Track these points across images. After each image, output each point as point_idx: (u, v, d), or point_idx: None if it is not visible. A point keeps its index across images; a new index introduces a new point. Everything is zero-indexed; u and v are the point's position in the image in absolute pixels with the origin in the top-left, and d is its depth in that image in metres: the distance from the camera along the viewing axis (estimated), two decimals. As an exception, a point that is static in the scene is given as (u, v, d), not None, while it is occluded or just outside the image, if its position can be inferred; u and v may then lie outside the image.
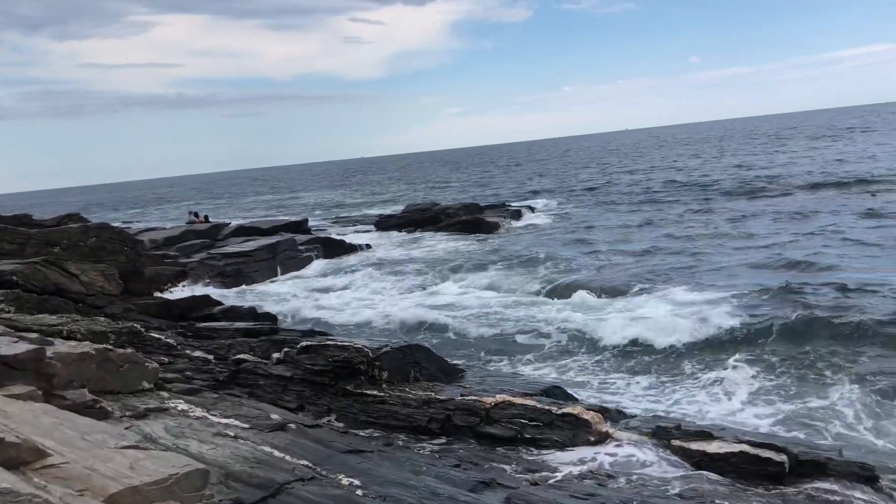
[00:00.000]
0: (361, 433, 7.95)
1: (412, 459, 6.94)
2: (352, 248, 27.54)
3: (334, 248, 26.97)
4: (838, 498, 6.42)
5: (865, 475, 6.70)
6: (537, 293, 17.00)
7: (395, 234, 31.79)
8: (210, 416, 7.15)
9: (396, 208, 40.31)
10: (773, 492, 6.57)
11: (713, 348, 11.66)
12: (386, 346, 9.72)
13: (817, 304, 13.35)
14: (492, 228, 30.45)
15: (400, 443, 7.71)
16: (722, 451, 7.16)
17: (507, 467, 6.97)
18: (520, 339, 13.33)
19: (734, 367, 10.83)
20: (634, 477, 6.77)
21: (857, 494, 6.45)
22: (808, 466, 6.91)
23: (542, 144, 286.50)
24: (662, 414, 9.55)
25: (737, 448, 7.17)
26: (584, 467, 7.03)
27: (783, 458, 6.93)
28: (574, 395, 9.89)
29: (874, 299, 13.43)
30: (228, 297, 18.48)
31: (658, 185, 42.07)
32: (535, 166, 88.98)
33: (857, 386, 9.81)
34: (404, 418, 8.35)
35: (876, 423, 8.77)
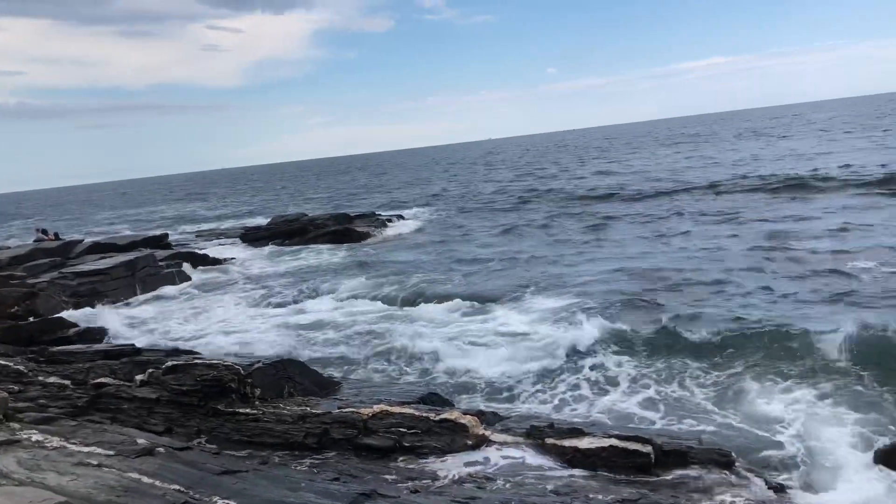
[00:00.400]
0: (236, 453, 7.69)
1: (289, 476, 6.78)
2: (216, 263, 26.61)
3: (197, 264, 25.96)
4: (699, 483, 6.84)
5: (723, 460, 7.17)
6: (409, 303, 17.01)
7: (261, 246, 31.00)
8: (69, 445, 6.70)
9: (262, 220, 39.33)
10: (641, 481, 6.90)
11: (584, 350, 12.04)
12: (258, 362, 9.48)
13: (673, 304, 14.18)
14: (362, 238, 30.32)
15: (276, 460, 7.52)
16: (593, 446, 7.45)
17: (387, 477, 6.95)
18: (395, 349, 13.29)
19: (606, 366, 11.30)
20: (512, 477, 6.92)
21: (716, 478, 6.90)
22: (672, 456, 7.31)
23: (410, 154, 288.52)
24: (552, 410, 9.86)
25: (606, 443, 7.48)
26: (464, 471, 7.12)
27: (649, 449, 7.30)
28: (451, 400, 10.01)
29: (720, 298, 14.45)
30: (82, 318, 17.35)
31: (523, 193, 43.28)
32: (403, 175, 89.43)
33: (712, 376, 10.50)
34: (280, 435, 8.16)
35: (733, 407, 9.41)
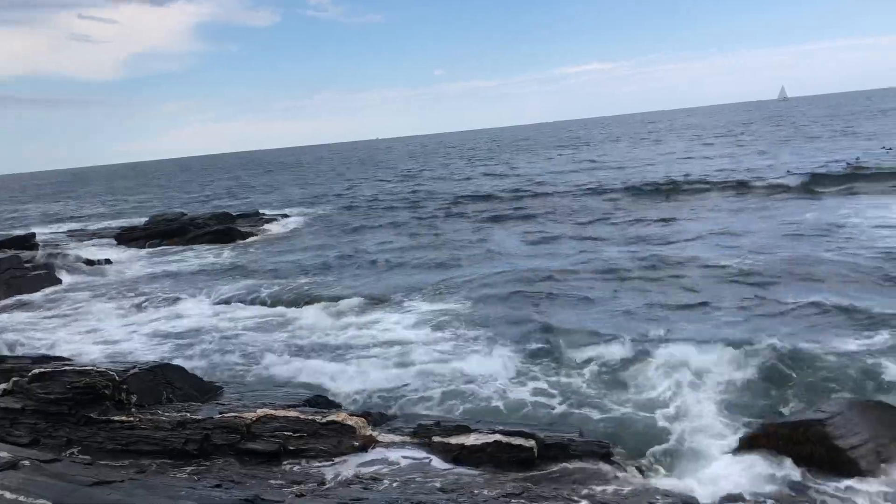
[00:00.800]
0: (111, 463, 7.34)
1: (168, 484, 6.53)
2: (89, 265, 25.25)
3: (68, 266, 24.58)
4: (579, 475, 7.08)
5: (602, 452, 7.44)
6: (294, 305, 16.67)
7: (138, 248, 29.69)
8: (-80, 462, 6.19)
9: (140, 220, 37.66)
10: (525, 476, 7.07)
11: (471, 351, 12.13)
12: (134, 367, 9.07)
13: (555, 304, 14.57)
14: (245, 238, 29.61)
15: (154, 468, 7.22)
16: (479, 442, 7.57)
17: (272, 482, 6.81)
18: (280, 353, 13.02)
19: (493, 365, 11.39)
20: (399, 477, 6.93)
21: (595, 469, 7.16)
22: (554, 449, 7.52)
23: (297, 152, 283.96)
24: (440, 410, 9.88)
25: (491, 438, 7.62)
26: (351, 473, 7.08)
27: (532, 443, 7.49)
28: (337, 402, 9.92)
29: (598, 296, 15.01)
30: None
31: (410, 193, 43.43)
32: (290, 174, 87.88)
33: (593, 371, 10.85)
34: (158, 442, 7.85)
35: (613, 398, 9.78)
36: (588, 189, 35.51)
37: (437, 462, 7.38)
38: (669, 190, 32.21)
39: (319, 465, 7.39)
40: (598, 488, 6.76)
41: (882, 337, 10.57)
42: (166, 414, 8.39)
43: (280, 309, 16.53)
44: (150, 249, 29.03)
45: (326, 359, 12.37)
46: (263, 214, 36.41)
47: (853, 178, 29.11)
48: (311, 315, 15.56)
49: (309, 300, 16.87)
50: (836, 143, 48.52)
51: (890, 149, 37.02)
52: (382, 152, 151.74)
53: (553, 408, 9.69)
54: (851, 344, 10.41)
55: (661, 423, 8.83)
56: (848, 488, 6.84)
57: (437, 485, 6.66)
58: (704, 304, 13.66)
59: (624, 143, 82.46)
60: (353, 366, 11.86)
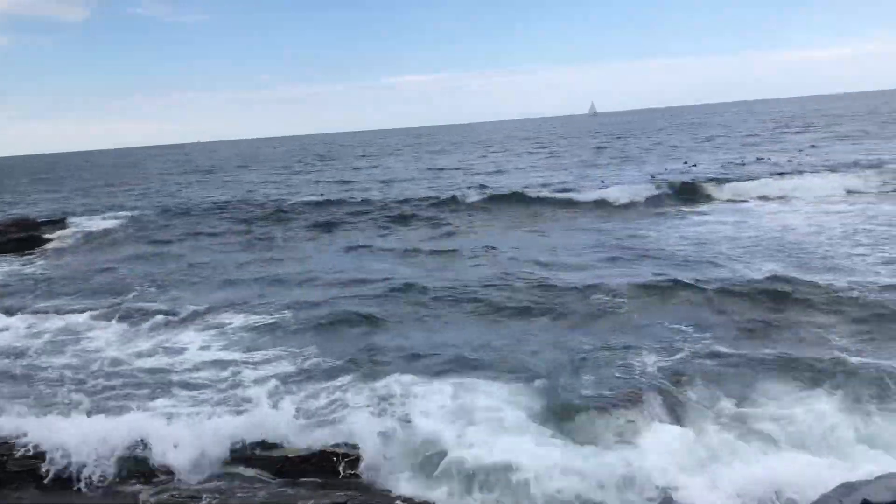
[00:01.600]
0: None
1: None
2: None
3: None
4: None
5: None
6: (104, 319, 15.45)
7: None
8: None
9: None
10: (352, 483, 7.09)
11: (285, 372, 11.65)
12: None
13: (368, 324, 14.12)
14: (50, 246, 27.45)
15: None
16: (302, 453, 7.50)
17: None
18: (78, 380, 11.83)
19: (315, 377, 11.13)
20: (218, 494, 6.71)
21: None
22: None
23: (112, 154, 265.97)
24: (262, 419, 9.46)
25: (316, 448, 7.58)
26: (167, 493, 6.77)
27: (357, 451, 7.53)
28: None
29: (406, 329, 14.47)
30: None
31: (231, 199, 41.70)
32: (103, 177, 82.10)
33: (397, 386, 10.55)
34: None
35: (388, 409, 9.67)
36: (416, 197, 35.67)
37: (259, 476, 7.22)
38: (489, 201, 32.57)
39: (133, 486, 7.01)
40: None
41: (679, 347, 11.26)
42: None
43: (83, 323, 15.19)
44: (-65, 259, 26.11)
45: (129, 388, 11.35)
46: (71, 220, 33.87)
47: (658, 191, 31.23)
48: (115, 332, 14.37)
49: (117, 315, 15.61)
50: (646, 156, 52.09)
51: (694, 165, 40.43)
52: (205, 155, 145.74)
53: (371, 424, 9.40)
54: (652, 356, 10.89)
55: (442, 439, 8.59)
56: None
57: (258, 500, 6.53)
58: (508, 324, 13.30)
59: (452, 153, 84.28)
60: (159, 394, 10.91)
